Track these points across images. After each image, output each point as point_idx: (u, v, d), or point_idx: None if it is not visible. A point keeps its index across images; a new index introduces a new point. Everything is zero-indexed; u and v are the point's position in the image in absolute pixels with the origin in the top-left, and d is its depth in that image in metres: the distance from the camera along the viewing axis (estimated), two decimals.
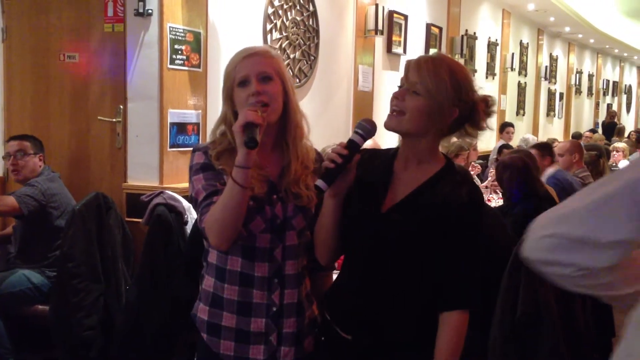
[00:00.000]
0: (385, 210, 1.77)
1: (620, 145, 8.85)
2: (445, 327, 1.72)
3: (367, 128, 1.75)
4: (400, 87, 1.77)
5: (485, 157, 8.35)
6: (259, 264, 1.84)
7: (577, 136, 11.48)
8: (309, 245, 1.93)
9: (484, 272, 1.80)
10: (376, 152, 1.97)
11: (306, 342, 1.92)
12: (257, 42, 4.82)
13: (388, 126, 1.77)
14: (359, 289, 1.80)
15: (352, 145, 1.72)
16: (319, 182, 1.69)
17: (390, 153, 1.87)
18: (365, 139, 1.74)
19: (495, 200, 5.11)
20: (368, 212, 1.78)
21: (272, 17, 4.95)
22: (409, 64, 1.77)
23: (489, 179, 5.68)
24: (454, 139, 7.04)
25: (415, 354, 1.77)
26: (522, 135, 10.15)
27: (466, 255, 1.74)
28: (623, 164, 8.01)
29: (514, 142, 9.52)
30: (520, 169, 3.80)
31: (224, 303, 1.86)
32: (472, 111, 1.77)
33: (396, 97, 1.74)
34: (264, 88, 1.80)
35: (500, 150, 7.86)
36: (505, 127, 9.60)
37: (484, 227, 1.83)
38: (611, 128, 15.06)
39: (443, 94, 1.71)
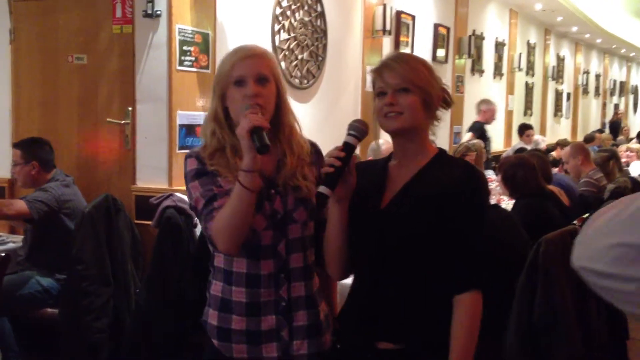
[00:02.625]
0: (382, 208, 1.77)
1: (635, 146, 8.80)
2: (459, 309, 1.70)
3: (359, 128, 1.75)
4: (381, 93, 1.77)
5: (496, 158, 8.31)
6: (264, 261, 1.83)
7: (589, 139, 11.37)
8: (314, 240, 1.92)
9: (489, 251, 1.78)
10: (371, 161, 2.01)
11: (324, 337, 1.90)
12: (265, 42, 4.80)
13: (389, 128, 1.78)
14: (372, 294, 1.78)
15: (347, 147, 1.72)
16: (322, 189, 1.68)
17: (384, 159, 1.90)
18: (359, 140, 1.75)
19: (505, 201, 5.07)
20: (367, 212, 1.78)
21: (280, 18, 4.93)
22: (378, 70, 1.79)
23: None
24: (466, 138, 7.03)
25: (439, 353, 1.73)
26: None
27: (470, 234, 1.72)
28: (636, 165, 7.95)
29: None
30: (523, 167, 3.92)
31: (233, 306, 1.85)
32: (443, 91, 1.83)
33: (391, 103, 1.74)
34: (260, 90, 1.80)
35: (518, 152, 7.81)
36: (525, 130, 9.42)
37: (489, 213, 1.85)
38: (616, 127, 15.21)
39: (427, 83, 1.76)
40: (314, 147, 1.97)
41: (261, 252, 1.82)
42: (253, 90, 1.78)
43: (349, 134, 1.74)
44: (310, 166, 1.90)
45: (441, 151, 1.84)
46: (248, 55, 1.84)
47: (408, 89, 1.74)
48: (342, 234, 1.80)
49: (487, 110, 7.76)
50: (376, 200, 1.79)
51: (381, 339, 1.76)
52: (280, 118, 1.88)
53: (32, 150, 3.75)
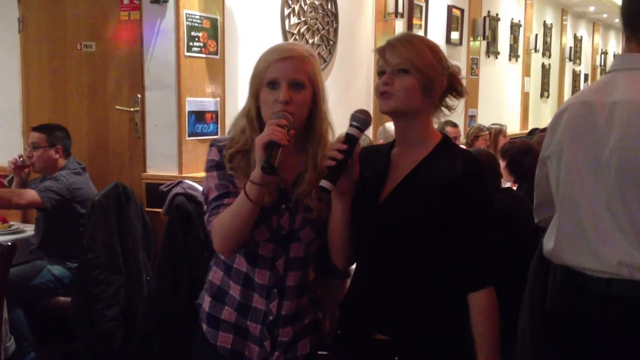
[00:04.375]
0: (383, 199, 1.73)
1: None
2: (476, 308, 1.68)
3: (361, 119, 1.70)
4: (382, 72, 1.74)
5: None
6: (260, 270, 1.80)
7: None
8: (319, 253, 1.88)
9: (501, 244, 1.74)
10: (375, 148, 1.97)
11: (300, 344, 1.88)
12: (275, 27, 4.75)
13: (382, 108, 1.74)
14: (371, 286, 1.76)
15: (350, 139, 1.67)
16: (324, 183, 1.63)
17: (389, 144, 1.85)
18: (362, 131, 1.70)
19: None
20: (367, 205, 1.75)
21: (290, 2, 4.87)
22: (381, 49, 1.76)
23: None
24: (475, 124, 6.94)
25: (439, 345, 1.72)
26: (548, 119, 9.96)
27: (477, 229, 1.68)
28: None
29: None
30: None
31: (227, 298, 1.84)
32: (452, 79, 1.78)
33: (386, 83, 1.71)
34: (293, 96, 1.72)
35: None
36: None
37: (495, 201, 1.79)
38: None
39: (429, 66, 1.71)
40: None
41: (258, 260, 1.80)
42: (285, 96, 1.71)
43: (351, 125, 1.69)
44: None
45: (444, 139, 1.79)
46: (285, 57, 1.75)
47: (407, 70, 1.70)
48: (345, 227, 1.76)
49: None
50: (377, 192, 1.75)
51: (379, 331, 1.74)
52: (312, 126, 1.80)
53: (57, 135, 3.76)
